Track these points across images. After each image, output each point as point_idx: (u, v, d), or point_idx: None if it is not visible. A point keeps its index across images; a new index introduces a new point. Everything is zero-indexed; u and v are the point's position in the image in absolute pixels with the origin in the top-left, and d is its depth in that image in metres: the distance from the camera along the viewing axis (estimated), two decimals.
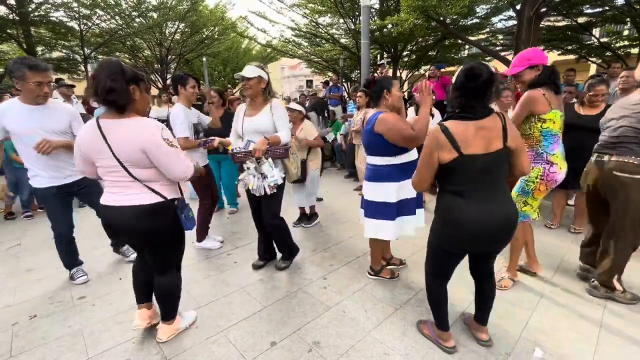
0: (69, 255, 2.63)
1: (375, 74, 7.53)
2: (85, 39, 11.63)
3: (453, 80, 1.53)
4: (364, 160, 4.73)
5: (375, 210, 2.29)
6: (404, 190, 2.25)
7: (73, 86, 6.31)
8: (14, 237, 3.61)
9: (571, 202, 3.80)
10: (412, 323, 2.05)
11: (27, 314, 2.23)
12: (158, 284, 1.87)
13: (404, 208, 2.30)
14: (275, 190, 2.26)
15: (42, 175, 2.34)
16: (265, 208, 2.52)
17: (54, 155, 2.27)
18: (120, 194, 1.60)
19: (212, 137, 2.75)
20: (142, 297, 1.99)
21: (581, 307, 2.18)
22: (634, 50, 9.42)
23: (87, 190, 2.53)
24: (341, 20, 11.29)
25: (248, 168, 2.26)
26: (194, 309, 2.22)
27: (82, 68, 12.52)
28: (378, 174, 2.26)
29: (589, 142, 2.71)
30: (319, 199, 3.72)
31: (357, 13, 10.42)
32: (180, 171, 1.61)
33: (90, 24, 11.47)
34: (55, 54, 12.53)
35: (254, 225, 2.75)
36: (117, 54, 14.16)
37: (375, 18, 10.25)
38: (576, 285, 2.43)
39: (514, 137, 1.52)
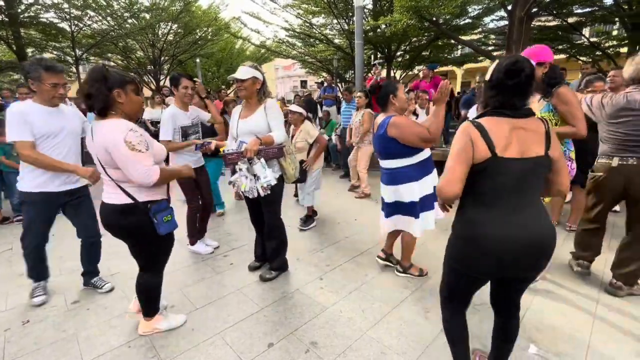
0: (36, 267, 2.39)
1: (370, 74, 7.55)
2: (76, 40, 11.51)
3: (487, 77, 1.31)
4: (359, 160, 4.78)
5: (403, 209, 2.40)
6: (422, 187, 2.36)
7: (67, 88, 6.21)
8: (6, 241, 3.55)
9: (567, 198, 3.85)
10: (408, 322, 2.06)
11: (19, 320, 2.19)
12: (138, 280, 1.93)
13: (424, 204, 2.39)
14: (268, 192, 2.23)
15: (30, 181, 2.16)
16: (265, 210, 2.50)
17: (74, 154, 2.27)
18: (104, 191, 1.73)
19: (209, 141, 2.73)
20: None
21: (575, 303, 2.21)
22: (623, 50, 9.58)
23: (76, 206, 2.36)
24: (335, 21, 11.32)
25: (240, 169, 2.22)
26: (190, 311, 2.21)
27: (74, 70, 12.38)
28: (398, 177, 2.35)
29: (589, 140, 2.75)
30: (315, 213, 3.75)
31: (351, 14, 10.45)
32: (137, 175, 1.57)
33: (81, 25, 11.35)
34: (46, 56, 12.36)
35: (250, 226, 2.74)
36: (109, 55, 14.05)
37: (369, 18, 10.29)
38: (569, 282, 2.46)
39: (557, 147, 1.29)
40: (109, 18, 11.66)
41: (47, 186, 2.19)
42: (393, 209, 2.45)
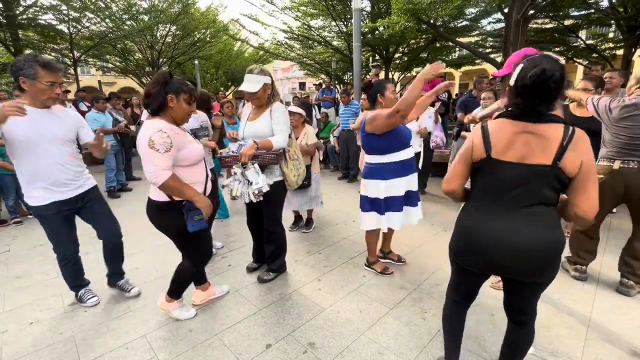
0: (75, 277, 2.35)
1: (368, 76, 7.58)
2: (74, 42, 11.50)
3: (511, 82, 1.20)
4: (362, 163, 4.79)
5: (368, 203, 2.49)
6: (390, 187, 2.41)
7: (68, 91, 6.23)
8: (3, 243, 3.54)
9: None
10: (405, 322, 2.07)
11: (16, 322, 2.19)
12: (180, 264, 2.08)
13: (391, 205, 2.44)
14: (261, 198, 2.20)
15: (38, 194, 2.02)
16: (266, 215, 2.50)
17: (62, 169, 2.05)
18: (150, 188, 1.87)
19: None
20: (198, 279, 2.27)
21: (570, 304, 2.22)
22: (619, 52, 9.66)
23: (90, 209, 2.25)
24: (333, 23, 11.37)
25: (235, 173, 2.20)
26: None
27: (72, 71, 12.37)
28: (370, 172, 2.45)
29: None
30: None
31: (349, 16, 10.50)
32: (147, 173, 1.69)
33: (79, 27, 11.35)
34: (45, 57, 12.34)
35: (247, 227, 2.74)
36: (108, 57, 14.05)
37: (367, 20, 10.34)
38: (565, 283, 2.48)
39: (575, 161, 1.14)
40: (107, 20, 11.66)
41: (55, 195, 2.05)
42: (367, 203, 2.51)
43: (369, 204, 2.49)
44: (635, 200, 2.23)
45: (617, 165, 2.21)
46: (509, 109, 1.26)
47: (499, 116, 1.29)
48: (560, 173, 1.15)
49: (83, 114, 6.57)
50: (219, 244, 3.23)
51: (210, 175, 2.00)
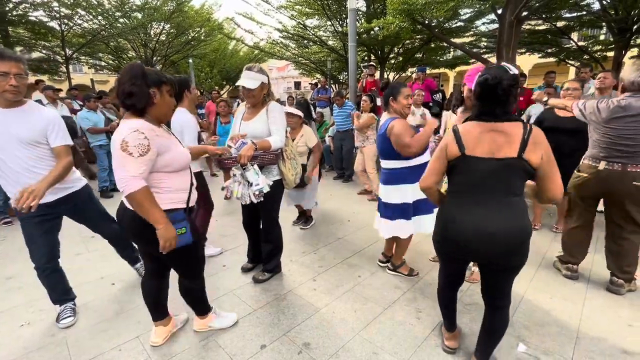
0: (54, 290, 2.16)
1: (361, 78, 7.58)
2: (66, 40, 11.34)
3: (473, 88, 1.46)
4: (365, 161, 4.78)
5: (394, 211, 2.43)
6: (416, 190, 2.32)
7: (59, 90, 6.14)
8: None
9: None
10: (400, 322, 2.08)
11: (7, 324, 2.15)
12: (179, 284, 1.89)
13: (419, 207, 2.43)
14: (261, 199, 2.19)
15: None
16: (263, 214, 2.49)
17: (29, 174, 1.85)
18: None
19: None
20: (157, 313, 1.92)
21: (562, 302, 2.25)
22: (610, 54, 9.79)
23: (79, 211, 2.15)
24: (328, 23, 11.36)
25: (234, 175, 2.18)
26: (174, 315, 2.16)
27: (64, 69, 12.19)
28: (394, 177, 2.41)
29: (570, 143, 2.82)
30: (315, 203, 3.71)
31: (344, 15, 10.50)
32: (117, 178, 1.44)
33: (71, 24, 11.19)
34: (36, 55, 12.18)
35: (242, 228, 2.73)
36: (100, 54, 13.88)
37: (362, 21, 10.35)
38: (557, 282, 2.51)
39: (537, 152, 1.32)
40: (99, 17, 11.51)
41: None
42: (390, 210, 2.46)
43: (397, 212, 2.42)
44: (615, 200, 2.28)
45: (602, 166, 2.26)
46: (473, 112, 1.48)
47: (465, 120, 1.50)
48: (525, 163, 1.33)
49: (75, 112, 6.50)
50: (217, 250, 3.10)
51: (194, 183, 1.76)
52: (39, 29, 10.61)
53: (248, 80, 2.21)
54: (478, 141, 1.39)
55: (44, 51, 11.95)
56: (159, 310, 1.93)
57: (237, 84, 2.26)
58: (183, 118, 2.54)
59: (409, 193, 2.39)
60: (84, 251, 3.07)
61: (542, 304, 2.23)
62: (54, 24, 10.95)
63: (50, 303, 2.35)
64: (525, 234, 1.39)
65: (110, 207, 3.76)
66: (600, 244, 3.02)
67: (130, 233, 1.68)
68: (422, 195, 2.37)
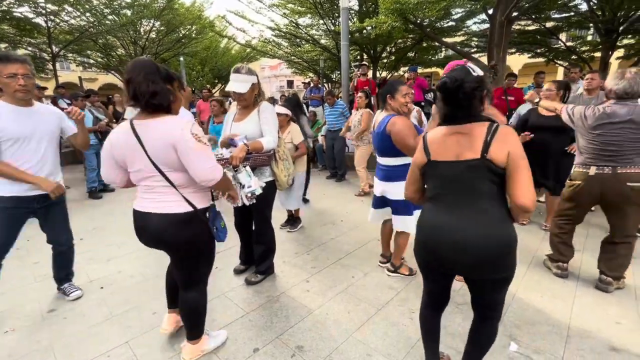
0: None
1: (352, 76, 7.57)
2: (53, 37, 11.07)
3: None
4: (356, 159, 4.79)
5: (396, 207, 2.44)
6: None
7: (45, 88, 5.99)
8: None
9: (541, 199, 3.98)
10: (393, 323, 2.08)
11: None
12: (182, 300, 1.73)
13: None
14: (253, 201, 2.15)
15: (9, 182, 2.00)
16: (255, 215, 2.46)
17: (51, 163, 2.13)
18: (152, 200, 1.52)
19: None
20: (173, 301, 1.92)
21: (552, 301, 2.28)
22: (597, 54, 9.98)
23: (47, 212, 2.22)
24: (321, 21, 11.32)
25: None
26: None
27: (50, 67, 11.91)
28: (394, 174, 2.38)
29: (553, 141, 2.86)
30: (306, 200, 3.65)
31: (337, 14, 10.48)
32: (203, 171, 1.42)
33: (58, 21, 10.93)
34: (21, 52, 11.88)
35: (234, 229, 2.70)
36: (89, 52, 13.60)
37: (355, 20, 10.34)
38: (547, 279, 2.54)
39: (501, 151, 1.21)
40: (87, 14, 11.27)
41: (18, 190, 2.02)
42: (382, 202, 2.50)
43: (401, 207, 2.40)
44: (610, 203, 2.33)
45: (592, 171, 2.29)
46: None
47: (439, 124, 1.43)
48: (489, 163, 1.23)
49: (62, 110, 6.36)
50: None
51: None
52: (24, 25, 10.34)
53: (237, 84, 2.17)
54: (443, 145, 1.33)
55: (29, 48, 11.65)
56: (175, 299, 1.86)
57: (227, 88, 2.22)
58: (181, 114, 2.53)
59: None
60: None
61: (533, 303, 2.26)
62: (39, 20, 10.68)
63: (37, 309, 2.31)
64: (503, 245, 1.25)
65: (97, 208, 3.73)
66: (589, 241, 3.08)
67: (159, 240, 1.56)
68: None
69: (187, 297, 1.71)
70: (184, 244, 1.56)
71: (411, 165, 1.49)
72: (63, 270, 2.46)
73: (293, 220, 3.72)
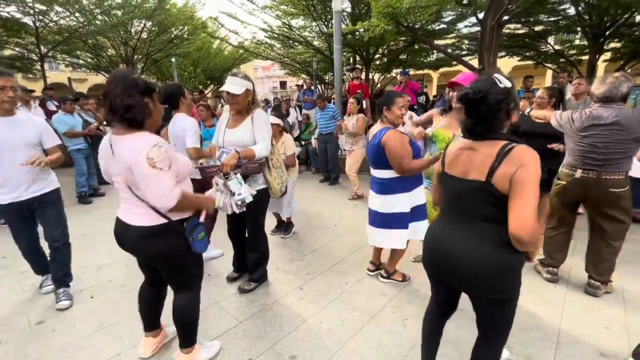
0: (36, 265, 2.58)
1: (347, 76, 7.60)
2: (41, 37, 10.85)
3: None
4: (349, 164, 4.79)
5: (392, 220, 2.40)
6: (413, 197, 2.39)
7: (32, 91, 5.87)
8: None
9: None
10: (387, 331, 2.08)
11: None
12: (174, 304, 1.74)
13: (415, 214, 2.43)
14: (244, 209, 2.14)
15: (6, 189, 2.21)
16: (248, 223, 2.45)
17: (20, 172, 2.17)
18: (127, 210, 1.56)
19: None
20: (150, 323, 1.89)
21: (543, 306, 2.31)
22: (585, 57, 10.18)
23: (43, 211, 2.35)
24: (314, 23, 11.32)
25: (217, 184, 2.13)
26: (166, 326, 2.12)
27: (38, 67, 11.67)
28: (389, 187, 2.37)
29: (545, 147, 2.92)
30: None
31: (330, 16, 10.48)
32: (156, 197, 1.41)
33: (47, 21, 10.72)
34: (8, 52, 11.62)
35: (227, 236, 2.68)
36: (78, 52, 13.37)
37: (348, 21, 10.37)
38: (538, 285, 2.58)
39: (504, 177, 1.14)
40: (77, 14, 11.07)
41: (11, 197, 2.21)
42: (382, 219, 2.43)
43: (395, 221, 2.39)
44: (593, 206, 2.38)
45: (578, 174, 2.35)
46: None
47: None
48: (493, 189, 1.17)
49: (51, 113, 6.24)
50: (218, 252, 3.13)
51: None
52: (11, 25, 10.11)
53: (233, 85, 2.17)
54: (456, 159, 1.31)
55: (16, 49, 11.40)
56: (152, 320, 1.89)
57: (221, 89, 2.22)
58: (185, 122, 2.62)
59: (407, 201, 2.37)
60: None
61: (524, 308, 2.28)
62: (27, 20, 10.46)
63: (25, 321, 2.27)
64: (493, 266, 1.21)
65: (86, 214, 3.68)
66: (580, 246, 3.13)
67: (142, 249, 1.59)
68: (419, 202, 2.42)
69: (179, 299, 1.73)
70: (160, 255, 1.58)
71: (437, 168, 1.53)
72: (60, 270, 2.48)
73: (286, 226, 3.70)
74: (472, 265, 1.24)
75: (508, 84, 1.21)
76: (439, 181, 1.47)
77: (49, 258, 2.50)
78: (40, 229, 2.47)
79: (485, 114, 1.21)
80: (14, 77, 2.17)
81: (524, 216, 1.11)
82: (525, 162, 1.13)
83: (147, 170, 1.36)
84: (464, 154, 1.28)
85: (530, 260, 1.29)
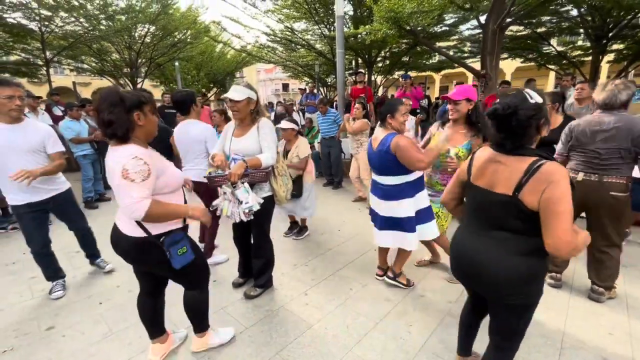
0: (47, 269, 2.68)
1: (352, 78, 7.62)
2: (47, 42, 10.98)
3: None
4: (361, 170, 4.80)
5: (399, 224, 2.44)
6: (417, 201, 2.43)
7: (39, 97, 5.95)
8: None
9: None
10: (392, 337, 2.10)
11: None
12: (185, 298, 1.88)
13: (421, 217, 2.46)
14: (251, 217, 2.18)
15: (14, 195, 2.41)
16: (254, 230, 2.48)
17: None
18: (119, 219, 1.65)
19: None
20: (154, 330, 1.95)
21: (547, 312, 2.32)
22: (587, 59, 10.16)
23: (60, 209, 2.66)
24: (316, 27, 11.38)
25: (224, 193, 2.15)
26: (173, 332, 2.16)
27: (43, 72, 11.80)
28: (394, 193, 2.41)
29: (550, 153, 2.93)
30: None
31: (332, 20, 10.54)
32: (123, 206, 1.47)
33: (52, 27, 10.85)
34: (14, 58, 11.76)
35: (232, 241, 2.71)
36: (83, 57, 13.51)
37: (350, 24, 10.42)
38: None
39: (542, 195, 1.15)
40: (82, 19, 11.20)
41: (29, 197, 2.42)
42: (388, 223, 2.48)
43: (401, 225, 2.44)
44: (593, 210, 2.39)
45: (580, 177, 2.37)
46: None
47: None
48: (520, 204, 1.20)
49: (57, 118, 6.32)
50: (223, 258, 3.17)
51: (187, 201, 1.80)
52: (17, 32, 10.24)
53: (234, 92, 2.21)
54: (483, 170, 1.34)
55: (22, 54, 11.54)
56: (155, 328, 1.94)
57: (223, 95, 2.27)
58: (201, 128, 2.76)
59: (412, 206, 2.40)
60: (69, 269, 2.99)
61: None
62: (33, 26, 10.59)
63: (35, 326, 2.30)
64: (515, 274, 1.25)
65: (93, 220, 3.70)
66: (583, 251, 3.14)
67: (130, 257, 1.68)
68: (423, 205, 2.45)
69: (189, 295, 1.87)
70: (150, 265, 1.71)
71: (455, 175, 1.57)
72: (89, 249, 2.98)
73: (300, 228, 3.78)
74: (498, 274, 1.28)
75: (539, 100, 1.22)
76: (462, 186, 1.52)
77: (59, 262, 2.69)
78: (53, 233, 2.65)
79: (515, 130, 1.22)
80: (22, 86, 2.34)
81: (561, 233, 1.13)
82: (554, 179, 1.14)
83: (118, 180, 1.44)
84: (491, 166, 1.31)
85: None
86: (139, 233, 1.57)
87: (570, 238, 1.13)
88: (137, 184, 1.45)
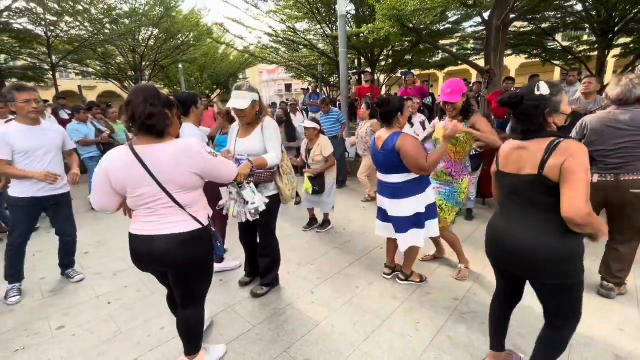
0: (12, 267, 2.68)
1: (355, 78, 7.62)
2: (52, 47, 11.13)
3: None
4: (366, 171, 4.80)
5: (409, 223, 2.44)
6: (427, 197, 2.45)
7: (46, 101, 6.01)
8: None
9: None
10: (399, 334, 2.10)
11: (1, 350, 2.11)
12: (182, 318, 1.72)
13: (430, 212, 2.48)
14: (257, 217, 2.19)
15: (23, 187, 2.53)
16: (260, 229, 2.49)
17: (54, 169, 2.58)
18: (156, 222, 1.52)
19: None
20: (191, 347, 1.78)
21: None
22: (593, 54, 10.05)
23: (58, 208, 2.76)
24: (318, 27, 11.38)
25: (230, 193, 2.17)
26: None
27: (50, 76, 11.96)
28: (402, 191, 2.40)
29: None
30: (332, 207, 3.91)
31: (334, 19, 10.54)
32: (229, 173, 1.71)
33: (58, 31, 10.99)
34: (21, 63, 11.93)
35: (238, 240, 2.72)
36: (88, 61, 13.67)
37: (352, 23, 10.41)
38: None
39: (562, 166, 1.26)
40: (86, 24, 11.33)
41: (32, 192, 2.54)
42: (398, 224, 2.47)
43: (411, 223, 2.43)
44: (614, 209, 2.35)
45: (595, 179, 2.32)
46: None
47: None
48: (545, 180, 1.32)
49: (64, 122, 6.38)
50: (236, 264, 3.04)
51: None
52: (24, 37, 10.39)
53: (238, 100, 2.19)
54: (509, 158, 1.47)
55: (29, 59, 11.71)
56: (193, 343, 1.77)
57: (228, 105, 2.26)
58: (192, 132, 2.65)
59: (422, 202, 2.41)
60: (78, 269, 3.03)
61: (537, 310, 2.24)
62: (39, 31, 10.73)
63: (46, 326, 2.34)
64: (551, 253, 1.33)
65: (99, 222, 3.75)
66: (592, 247, 3.10)
67: (165, 262, 1.55)
68: (432, 200, 2.47)
69: (186, 315, 1.71)
70: (192, 261, 1.59)
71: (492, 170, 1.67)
72: (67, 258, 2.95)
73: (322, 222, 3.94)
74: (535, 254, 1.36)
75: (545, 92, 1.34)
76: (496, 179, 1.62)
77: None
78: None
79: (521, 116, 1.41)
80: (37, 90, 2.53)
81: (574, 199, 1.24)
82: (572, 152, 1.26)
83: (213, 160, 1.58)
84: (515, 153, 1.44)
85: (596, 241, 1.38)
86: (194, 226, 1.57)
87: (583, 205, 1.23)
88: (220, 157, 1.65)
